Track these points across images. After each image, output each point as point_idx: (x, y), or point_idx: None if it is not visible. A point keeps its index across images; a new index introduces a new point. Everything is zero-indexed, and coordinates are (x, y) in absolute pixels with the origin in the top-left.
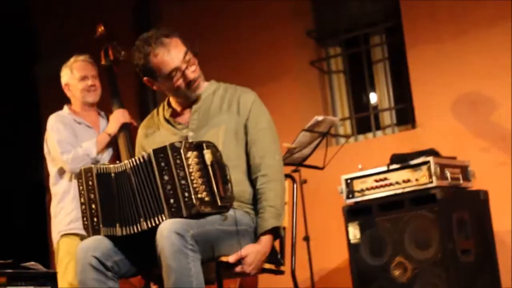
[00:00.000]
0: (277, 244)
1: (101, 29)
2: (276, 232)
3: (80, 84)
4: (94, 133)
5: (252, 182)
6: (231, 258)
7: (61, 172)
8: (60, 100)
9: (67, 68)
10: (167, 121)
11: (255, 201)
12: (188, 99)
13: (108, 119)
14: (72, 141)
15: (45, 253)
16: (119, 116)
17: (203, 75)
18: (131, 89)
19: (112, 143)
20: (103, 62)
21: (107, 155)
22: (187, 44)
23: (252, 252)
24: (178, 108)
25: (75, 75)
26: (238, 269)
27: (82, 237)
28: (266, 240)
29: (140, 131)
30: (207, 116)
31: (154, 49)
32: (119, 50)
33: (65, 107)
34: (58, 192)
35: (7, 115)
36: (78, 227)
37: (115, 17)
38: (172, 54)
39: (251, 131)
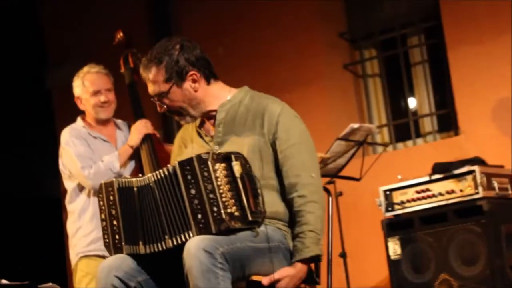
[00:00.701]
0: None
1: (120, 35)
2: (317, 260)
3: (92, 99)
4: (110, 147)
5: (286, 201)
6: (265, 281)
7: (79, 187)
8: (76, 109)
9: (79, 79)
10: (198, 132)
11: (290, 222)
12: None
13: (128, 128)
14: (91, 155)
15: (63, 273)
16: (141, 127)
17: (185, 110)
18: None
19: (134, 155)
20: (122, 70)
21: (128, 168)
22: (174, 78)
23: (287, 276)
24: (205, 119)
25: (87, 89)
26: None
27: (103, 259)
28: (302, 266)
29: (176, 142)
30: (231, 130)
31: (141, 67)
32: (139, 58)
33: (79, 120)
34: (75, 209)
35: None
36: (98, 248)
37: (132, 22)
38: (149, 84)
39: (282, 147)
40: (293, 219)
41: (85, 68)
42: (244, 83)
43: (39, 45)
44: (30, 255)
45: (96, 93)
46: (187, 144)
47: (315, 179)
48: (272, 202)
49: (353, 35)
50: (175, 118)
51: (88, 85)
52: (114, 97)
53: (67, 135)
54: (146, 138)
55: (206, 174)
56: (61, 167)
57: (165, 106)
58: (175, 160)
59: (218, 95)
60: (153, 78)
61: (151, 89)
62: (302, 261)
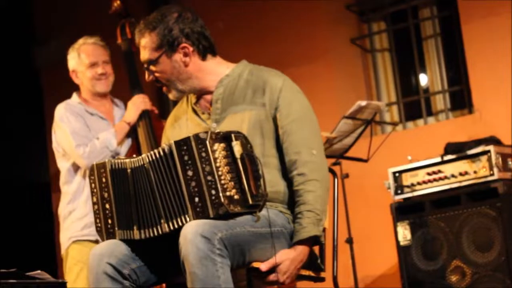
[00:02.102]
0: (316, 247)
1: (116, 3)
2: (315, 240)
3: (89, 71)
4: (108, 125)
5: (288, 180)
6: (263, 266)
7: (74, 168)
8: (66, 87)
9: (74, 51)
10: (193, 109)
11: (292, 202)
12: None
13: (125, 106)
14: (87, 133)
15: (52, 260)
16: (139, 103)
17: (173, 84)
18: None
19: (131, 132)
20: (119, 41)
21: (125, 146)
22: (167, 45)
23: (287, 259)
24: (202, 95)
25: (83, 61)
26: (271, 277)
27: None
28: (303, 248)
29: (168, 120)
30: (230, 105)
31: (135, 32)
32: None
33: (74, 95)
34: (69, 191)
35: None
36: (93, 233)
37: None
38: (140, 50)
39: (283, 123)
40: (293, 199)
41: (81, 40)
42: (247, 58)
43: (27, 21)
44: (17, 241)
45: (93, 65)
46: (181, 123)
47: (317, 156)
48: (273, 181)
49: (361, 7)
50: (163, 90)
51: (84, 57)
52: (111, 70)
53: (62, 110)
54: (144, 114)
55: (204, 154)
56: (54, 144)
57: (152, 76)
58: (166, 140)
59: (215, 71)
60: (144, 44)
61: (141, 55)
62: (301, 242)
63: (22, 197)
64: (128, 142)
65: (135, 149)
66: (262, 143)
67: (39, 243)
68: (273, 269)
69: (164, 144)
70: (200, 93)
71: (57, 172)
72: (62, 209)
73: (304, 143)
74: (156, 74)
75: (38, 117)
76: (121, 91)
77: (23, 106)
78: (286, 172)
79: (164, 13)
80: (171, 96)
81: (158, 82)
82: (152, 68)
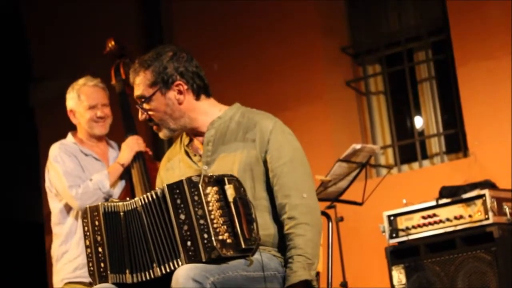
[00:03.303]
0: None
1: (111, 44)
2: (307, 285)
3: (88, 113)
4: (102, 166)
5: (280, 224)
6: None
7: (67, 209)
8: (61, 126)
9: (74, 91)
10: (186, 151)
11: (284, 245)
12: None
13: (119, 147)
14: (80, 173)
15: None
16: (133, 144)
17: (165, 122)
18: None
19: (125, 174)
20: (113, 82)
21: (119, 188)
22: (161, 84)
23: None
24: (194, 137)
25: (83, 103)
26: None
27: (89, 286)
28: None
29: (162, 162)
30: (220, 148)
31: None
32: None
33: (69, 135)
34: (62, 232)
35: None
36: (85, 275)
37: (122, 33)
38: (134, 87)
39: (273, 165)
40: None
41: (81, 81)
42: (241, 100)
43: (24, 59)
44: (10, 282)
45: (92, 107)
46: (174, 165)
47: (307, 199)
48: (264, 224)
49: (357, 49)
50: (154, 129)
51: (84, 98)
52: (110, 113)
53: (56, 150)
54: (138, 156)
55: (196, 198)
56: (47, 183)
57: (145, 114)
58: (160, 181)
59: (207, 112)
60: (138, 82)
61: (135, 92)
62: (292, 287)
63: (15, 237)
64: (121, 184)
65: (129, 191)
66: (252, 186)
67: (32, 284)
68: None
69: (157, 187)
70: (191, 133)
71: (50, 212)
72: (55, 251)
73: (294, 186)
74: (150, 112)
75: (32, 156)
76: (113, 132)
77: (18, 145)
78: (276, 215)
79: (159, 52)
80: (162, 135)
81: (151, 121)
82: (146, 106)
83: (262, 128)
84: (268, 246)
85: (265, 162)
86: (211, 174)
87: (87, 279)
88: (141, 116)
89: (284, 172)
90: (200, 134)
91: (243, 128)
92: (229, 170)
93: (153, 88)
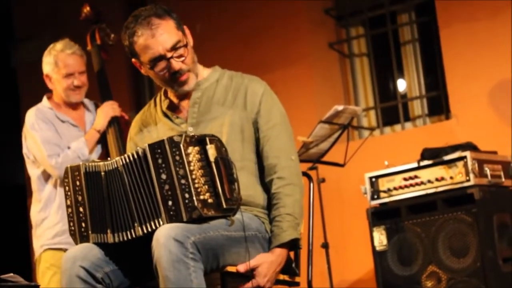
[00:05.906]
0: (291, 252)
1: (86, 9)
2: (293, 244)
3: (64, 81)
4: (79, 131)
5: (265, 185)
6: (241, 267)
7: (45, 175)
8: (44, 88)
9: (51, 56)
10: (164, 114)
11: (268, 206)
12: (177, 93)
13: (96, 108)
14: (58, 141)
15: (27, 264)
16: (108, 109)
17: (198, 68)
18: (123, 77)
19: (101, 139)
20: (89, 48)
21: (96, 153)
22: (182, 29)
23: (265, 262)
24: (176, 100)
25: (60, 70)
26: (249, 284)
27: None
28: (281, 251)
29: (133, 126)
30: (208, 109)
31: (139, 30)
32: (108, 33)
33: (45, 99)
34: (41, 198)
35: None
36: (64, 241)
37: None
38: (158, 39)
39: (263, 127)
40: (270, 203)
41: (59, 46)
42: (224, 62)
43: (6, 19)
44: None
45: (69, 75)
46: (150, 128)
47: (295, 161)
48: (250, 185)
49: (340, 11)
50: (182, 79)
51: (61, 66)
52: (86, 80)
53: (33, 117)
54: (113, 121)
55: (178, 158)
56: (24, 150)
57: (180, 62)
58: (134, 145)
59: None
60: (163, 29)
61: (162, 42)
62: (281, 246)
63: None
64: (98, 149)
65: (105, 156)
66: (241, 147)
67: (14, 246)
68: (251, 276)
69: (138, 147)
70: (179, 94)
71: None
72: (34, 216)
73: (283, 149)
74: (185, 60)
75: (14, 117)
76: (90, 95)
77: None
78: (262, 177)
79: (161, 7)
80: (187, 86)
81: (178, 73)
82: (183, 51)
83: (253, 91)
84: (252, 206)
85: (254, 123)
86: (193, 134)
87: (67, 246)
88: (177, 66)
89: (274, 135)
90: (184, 96)
91: (232, 91)
92: (218, 132)
93: (180, 31)
